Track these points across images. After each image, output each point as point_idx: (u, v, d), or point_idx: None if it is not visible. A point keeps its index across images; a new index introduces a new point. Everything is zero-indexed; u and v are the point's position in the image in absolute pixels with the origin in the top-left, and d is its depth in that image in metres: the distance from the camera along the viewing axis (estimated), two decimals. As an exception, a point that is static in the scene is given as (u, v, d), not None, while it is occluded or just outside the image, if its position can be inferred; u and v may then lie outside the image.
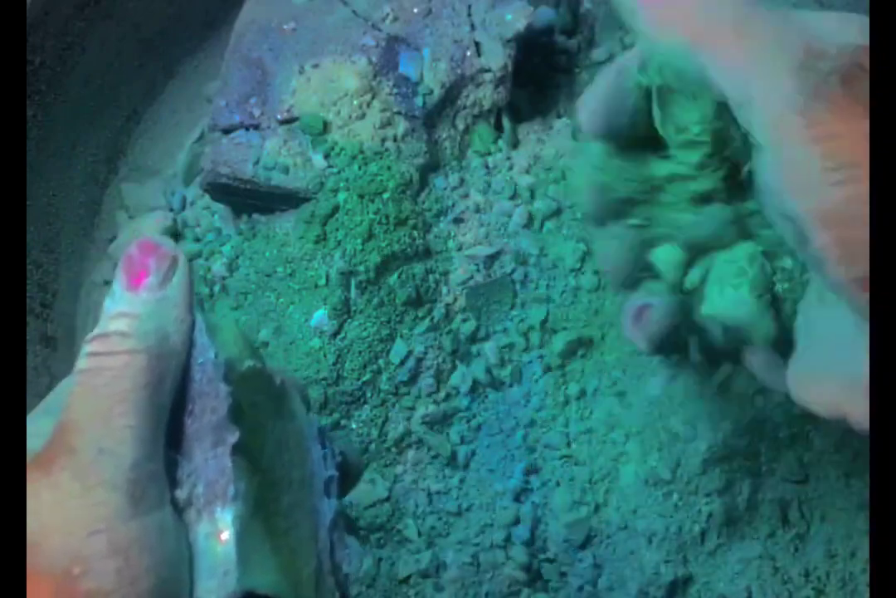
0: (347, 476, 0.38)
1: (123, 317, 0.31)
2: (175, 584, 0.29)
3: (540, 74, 0.65)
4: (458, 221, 0.60)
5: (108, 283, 0.64)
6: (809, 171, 0.30)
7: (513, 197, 0.61)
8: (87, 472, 0.29)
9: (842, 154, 0.30)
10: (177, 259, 0.33)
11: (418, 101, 0.60)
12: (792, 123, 0.31)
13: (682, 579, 0.56)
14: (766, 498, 0.56)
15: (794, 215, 0.31)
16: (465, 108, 0.62)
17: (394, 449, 0.57)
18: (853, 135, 0.30)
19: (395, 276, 0.58)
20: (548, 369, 0.58)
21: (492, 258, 0.59)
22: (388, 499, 0.57)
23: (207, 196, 0.64)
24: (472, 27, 0.62)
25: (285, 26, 0.62)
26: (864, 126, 0.30)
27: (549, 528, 0.56)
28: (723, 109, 0.34)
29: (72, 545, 0.28)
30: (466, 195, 0.61)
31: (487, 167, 0.62)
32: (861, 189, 0.29)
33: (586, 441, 0.57)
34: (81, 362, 0.31)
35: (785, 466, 0.57)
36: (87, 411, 0.30)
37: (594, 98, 0.41)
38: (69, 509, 0.29)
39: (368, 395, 0.57)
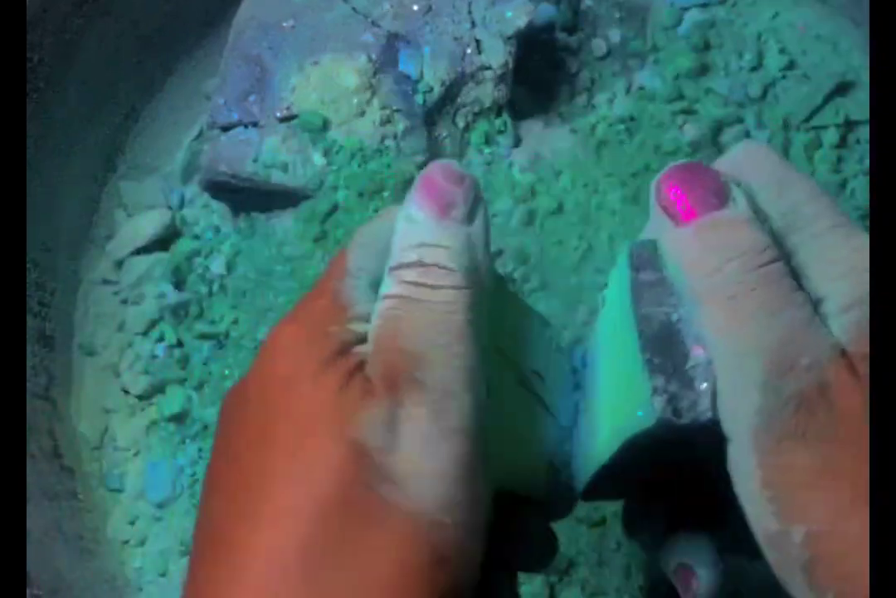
0: None
1: (439, 248, 0.30)
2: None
3: (540, 72, 0.65)
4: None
5: (106, 282, 0.64)
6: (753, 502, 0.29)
7: (513, 195, 0.60)
8: (444, 415, 0.28)
9: (785, 496, 0.28)
10: (481, 192, 0.32)
11: (418, 98, 0.60)
12: (745, 443, 0.29)
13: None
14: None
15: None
16: (465, 105, 0.61)
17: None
18: (799, 475, 0.28)
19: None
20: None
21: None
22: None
23: (206, 194, 0.64)
24: (473, 24, 0.61)
25: (284, 23, 0.62)
26: (816, 462, 0.28)
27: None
28: None
29: (441, 492, 0.28)
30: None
31: (488, 165, 0.62)
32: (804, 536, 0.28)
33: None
34: (398, 288, 0.30)
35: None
36: (427, 345, 0.29)
37: None
38: (434, 452, 0.28)
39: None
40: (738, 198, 0.30)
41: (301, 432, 0.28)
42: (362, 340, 0.30)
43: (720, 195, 0.30)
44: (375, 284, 0.31)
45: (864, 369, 0.28)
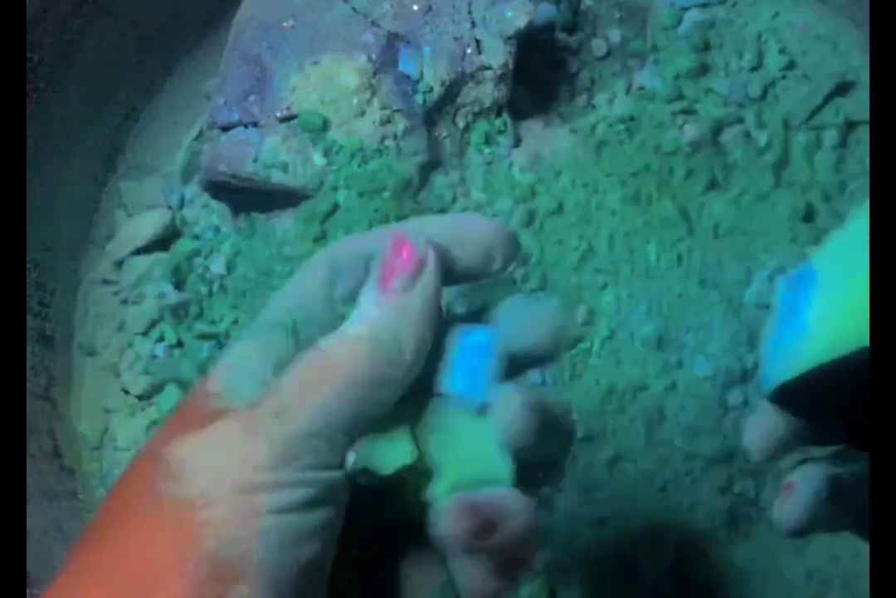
0: None
1: (362, 320, 0.31)
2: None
3: (540, 72, 0.65)
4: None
5: (106, 282, 0.64)
6: None
7: (513, 195, 0.60)
8: (254, 427, 0.30)
9: None
10: (424, 261, 0.32)
11: (418, 98, 0.60)
12: None
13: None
14: (769, 499, 0.56)
15: None
16: (465, 105, 0.61)
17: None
18: None
19: (395, 275, 0.58)
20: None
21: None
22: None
23: (206, 194, 0.64)
24: (473, 24, 0.61)
25: (284, 23, 0.62)
26: None
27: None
28: None
29: (208, 482, 0.29)
30: (466, 193, 0.61)
31: (488, 165, 0.62)
32: None
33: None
34: (321, 341, 0.31)
35: (788, 466, 0.56)
36: (286, 385, 0.30)
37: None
38: (223, 452, 0.30)
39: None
40: None
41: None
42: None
43: None
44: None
45: None
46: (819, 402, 0.35)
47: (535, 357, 0.35)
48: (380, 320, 0.31)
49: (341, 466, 0.30)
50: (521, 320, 0.36)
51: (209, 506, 0.29)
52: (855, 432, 0.36)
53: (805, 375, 0.33)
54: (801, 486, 0.36)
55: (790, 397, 0.35)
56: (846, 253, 0.34)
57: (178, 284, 0.62)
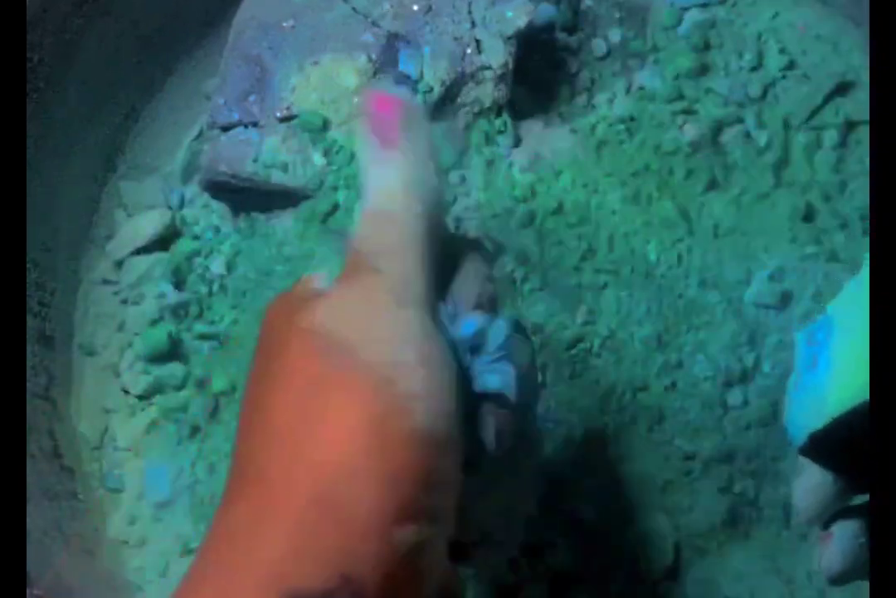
0: None
1: (391, 179, 0.34)
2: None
3: (540, 72, 0.65)
4: (458, 219, 0.60)
5: (106, 282, 0.64)
6: None
7: (513, 195, 0.60)
8: (397, 291, 0.32)
9: None
10: (412, 108, 0.35)
11: (418, 98, 0.60)
12: None
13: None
14: (769, 499, 0.56)
15: None
16: (465, 105, 0.61)
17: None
18: None
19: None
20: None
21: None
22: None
23: (206, 194, 0.64)
24: (473, 24, 0.61)
25: (284, 23, 0.62)
26: None
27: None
28: None
29: (388, 354, 0.30)
30: (467, 193, 0.61)
31: (488, 165, 0.62)
32: None
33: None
34: (364, 213, 0.34)
35: (788, 466, 0.57)
36: (384, 248, 0.33)
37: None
38: (385, 321, 0.31)
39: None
40: None
41: (277, 344, 0.32)
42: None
43: None
44: None
45: None
46: (851, 448, 0.35)
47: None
48: (406, 175, 0.33)
49: None
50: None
51: (407, 379, 0.30)
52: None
53: (834, 422, 0.33)
54: (838, 535, 0.37)
55: (822, 446, 0.35)
56: (862, 297, 0.34)
57: (178, 285, 0.62)
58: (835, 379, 0.34)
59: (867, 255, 0.34)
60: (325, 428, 0.29)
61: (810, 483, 0.37)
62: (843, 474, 0.37)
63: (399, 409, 0.29)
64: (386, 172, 0.34)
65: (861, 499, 0.38)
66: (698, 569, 0.56)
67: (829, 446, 0.35)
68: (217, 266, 0.61)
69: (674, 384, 0.57)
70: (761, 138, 0.62)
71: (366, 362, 0.30)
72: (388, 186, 0.33)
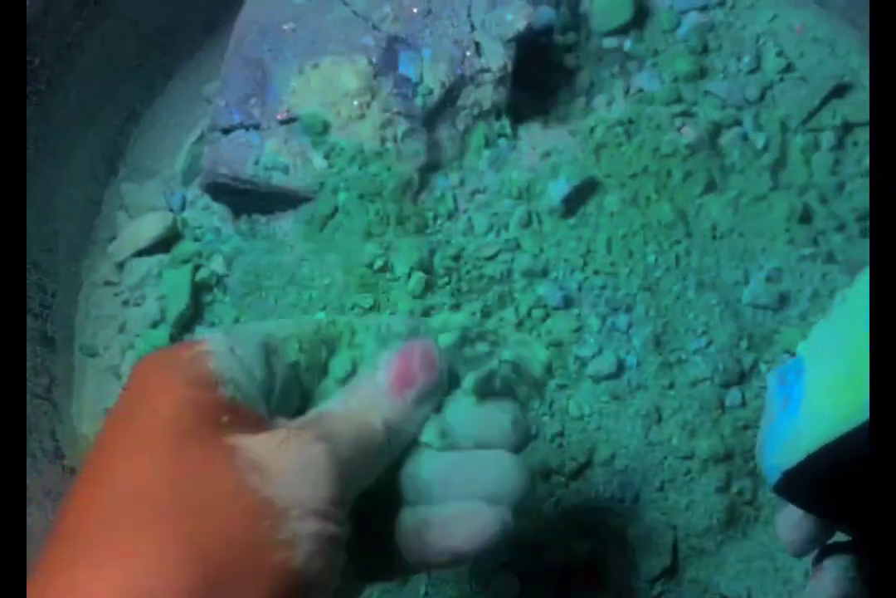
0: None
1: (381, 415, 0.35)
2: None
3: (539, 74, 0.65)
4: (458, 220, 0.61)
5: (108, 283, 0.64)
6: None
7: (513, 196, 0.61)
8: (333, 463, 0.32)
9: None
10: (443, 381, 0.37)
11: (418, 101, 0.60)
12: None
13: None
14: (767, 498, 0.56)
15: None
16: (465, 108, 0.62)
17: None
18: None
19: (395, 276, 0.58)
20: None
21: (492, 259, 0.59)
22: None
23: (207, 196, 0.64)
24: (472, 27, 0.62)
25: (285, 26, 0.62)
26: None
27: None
28: None
29: (300, 493, 0.31)
30: (467, 195, 0.61)
31: (487, 167, 0.62)
32: None
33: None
34: (342, 405, 0.35)
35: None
36: (346, 445, 0.33)
37: None
38: (311, 472, 0.31)
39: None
40: None
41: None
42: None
43: None
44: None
45: None
46: (823, 485, 0.35)
47: None
48: (393, 415, 0.35)
49: None
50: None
51: (302, 520, 0.30)
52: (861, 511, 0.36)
53: (807, 459, 0.33)
54: (829, 569, 0.37)
55: (796, 484, 0.35)
56: (832, 336, 0.35)
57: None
58: (806, 417, 0.34)
59: (840, 294, 0.34)
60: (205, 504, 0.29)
61: (793, 519, 0.38)
62: (813, 511, 0.38)
63: (280, 541, 0.30)
64: (373, 406, 0.35)
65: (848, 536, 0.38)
66: (696, 569, 0.56)
67: (803, 482, 0.35)
68: (218, 268, 0.61)
69: (672, 384, 0.57)
70: (759, 140, 0.63)
71: (271, 494, 0.30)
72: (367, 421, 0.35)
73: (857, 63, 0.65)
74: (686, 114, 0.63)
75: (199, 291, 0.61)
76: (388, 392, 0.36)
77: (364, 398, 0.35)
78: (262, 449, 0.31)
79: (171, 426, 0.30)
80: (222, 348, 0.33)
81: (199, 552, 0.28)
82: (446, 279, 0.58)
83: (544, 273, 0.59)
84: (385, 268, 0.58)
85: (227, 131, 0.61)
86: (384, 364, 0.36)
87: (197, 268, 0.61)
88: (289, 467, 0.31)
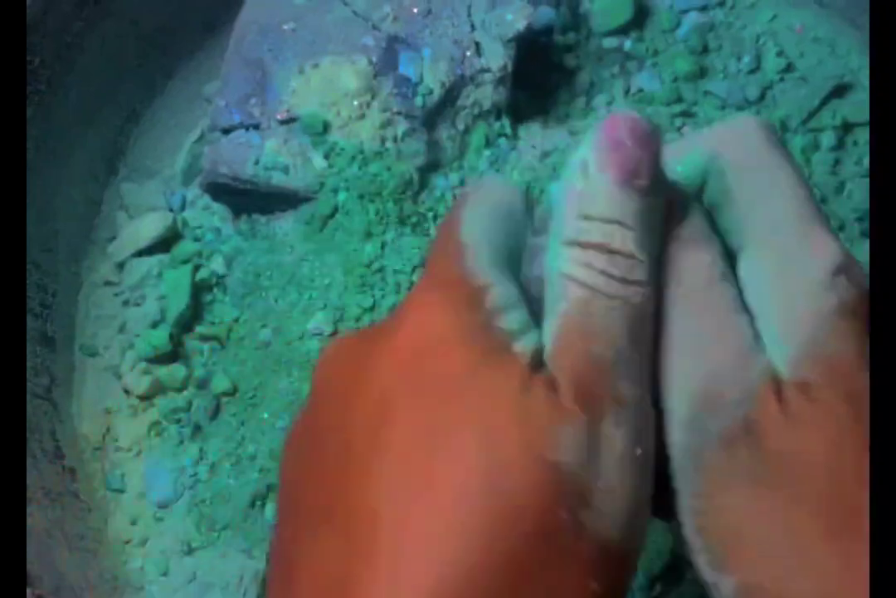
0: None
1: (625, 229, 0.27)
2: None
3: (539, 74, 0.65)
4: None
5: (108, 283, 0.64)
6: None
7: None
8: (640, 437, 0.26)
9: (716, 544, 0.26)
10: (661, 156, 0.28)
11: (418, 101, 0.60)
12: (679, 485, 0.27)
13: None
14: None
15: None
16: (465, 108, 0.61)
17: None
18: (728, 520, 0.26)
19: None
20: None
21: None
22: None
23: (207, 196, 0.64)
24: (472, 27, 0.62)
25: (285, 26, 0.62)
26: (743, 508, 0.26)
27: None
28: None
29: (630, 519, 0.26)
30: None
31: (488, 167, 0.62)
32: None
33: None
34: (584, 275, 0.27)
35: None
36: (624, 354, 0.26)
37: None
38: (629, 478, 0.26)
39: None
40: (695, 214, 0.29)
41: (479, 440, 0.25)
42: (518, 329, 0.27)
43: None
44: (496, 258, 0.28)
45: (797, 403, 0.26)
46: None
47: None
48: (639, 231, 0.27)
49: None
50: None
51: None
52: None
53: None
54: None
55: None
56: None
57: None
58: None
59: None
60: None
61: None
62: None
63: (615, 588, 0.25)
64: (610, 202, 0.27)
65: None
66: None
67: None
68: (218, 268, 0.61)
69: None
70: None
71: (611, 525, 0.25)
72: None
73: (857, 63, 0.64)
74: (686, 114, 0.63)
75: (199, 291, 0.61)
76: (616, 188, 0.27)
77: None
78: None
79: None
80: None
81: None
82: (446, 279, 0.58)
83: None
84: (385, 268, 0.58)
85: (226, 131, 0.61)
86: (590, 152, 0.28)
87: (197, 268, 0.61)
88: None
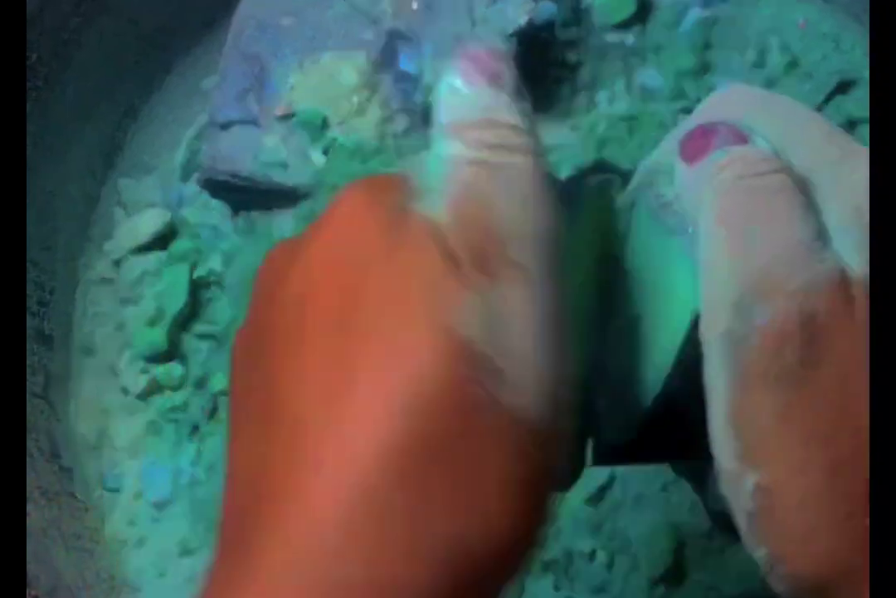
0: None
1: (500, 108, 0.27)
2: None
3: (541, 70, 0.65)
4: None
5: (105, 280, 0.64)
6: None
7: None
8: (544, 300, 0.25)
9: (747, 437, 0.26)
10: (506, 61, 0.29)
11: (418, 97, 0.60)
12: (715, 371, 0.27)
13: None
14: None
15: None
16: (465, 104, 0.61)
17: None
18: (763, 417, 0.25)
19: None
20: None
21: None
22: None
23: (205, 193, 0.64)
24: (473, 22, 0.61)
25: (284, 21, 0.62)
26: (779, 407, 0.25)
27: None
28: None
29: (541, 385, 0.25)
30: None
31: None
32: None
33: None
34: (470, 150, 0.27)
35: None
36: (518, 219, 0.26)
37: None
38: (536, 342, 0.25)
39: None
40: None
41: (388, 318, 0.25)
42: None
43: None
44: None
45: (862, 301, 0.26)
46: None
47: None
48: (504, 103, 0.28)
49: None
50: None
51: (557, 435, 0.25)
52: None
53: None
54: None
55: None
56: None
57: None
58: None
59: None
60: (465, 463, 0.24)
61: None
62: None
63: (544, 449, 0.25)
64: (486, 97, 0.27)
65: None
66: (699, 569, 0.56)
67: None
68: (215, 265, 0.61)
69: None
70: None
71: (521, 390, 0.25)
72: (498, 120, 0.27)
73: (861, 59, 0.64)
74: (689, 110, 0.63)
75: (197, 288, 0.61)
76: (487, 89, 0.28)
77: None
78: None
79: None
80: None
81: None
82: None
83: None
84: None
85: (225, 127, 0.60)
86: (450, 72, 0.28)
87: (195, 265, 0.61)
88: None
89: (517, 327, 0.25)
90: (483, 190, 0.26)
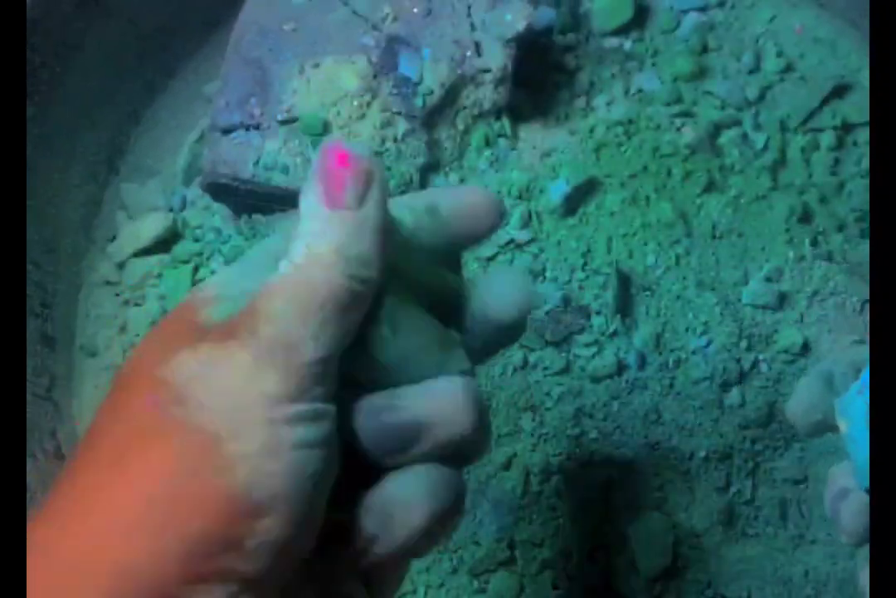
0: None
1: (324, 238, 0.30)
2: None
3: (539, 74, 0.65)
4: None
5: (108, 283, 0.64)
6: None
7: (513, 196, 0.61)
8: (264, 357, 0.29)
9: None
10: (372, 173, 0.31)
11: (418, 101, 0.60)
12: None
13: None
14: (766, 498, 0.57)
15: None
16: (465, 108, 0.62)
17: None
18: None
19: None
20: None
21: (492, 259, 0.59)
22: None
23: (207, 196, 0.64)
24: (472, 27, 0.62)
25: (285, 26, 0.62)
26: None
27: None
28: None
29: (227, 412, 0.29)
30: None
31: (487, 167, 0.62)
32: None
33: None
34: (284, 266, 0.30)
35: (785, 465, 0.57)
36: (282, 311, 0.29)
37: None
38: (238, 382, 0.29)
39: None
40: None
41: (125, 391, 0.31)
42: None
43: None
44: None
45: None
46: None
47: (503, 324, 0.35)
48: (341, 238, 0.30)
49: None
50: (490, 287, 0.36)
51: (236, 439, 0.28)
52: None
53: None
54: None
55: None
56: None
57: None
58: None
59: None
60: (130, 475, 0.29)
61: (859, 506, 0.37)
62: None
63: (217, 467, 0.28)
64: (322, 230, 0.30)
65: None
66: (696, 569, 0.56)
67: None
68: (218, 268, 0.61)
69: (671, 385, 0.57)
70: (759, 141, 0.63)
71: (205, 413, 0.29)
72: (317, 247, 0.30)
73: (856, 63, 0.65)
74: (686, 114, 0.63)
75: (199, 290, 0.61)
76: (321, 210, 0.30)
77: (302, 239, 0.30)
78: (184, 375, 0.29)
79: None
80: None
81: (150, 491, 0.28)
82: (446, 279, 0.58)
83: (544, 273, 0.59)
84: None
85: (227, 131, 0.61)
86: (306, 190, 0.31)
87: (197, 268, 0.62)
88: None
89: (221, 369, 0.30)
90: (276, 298, 0.30)
